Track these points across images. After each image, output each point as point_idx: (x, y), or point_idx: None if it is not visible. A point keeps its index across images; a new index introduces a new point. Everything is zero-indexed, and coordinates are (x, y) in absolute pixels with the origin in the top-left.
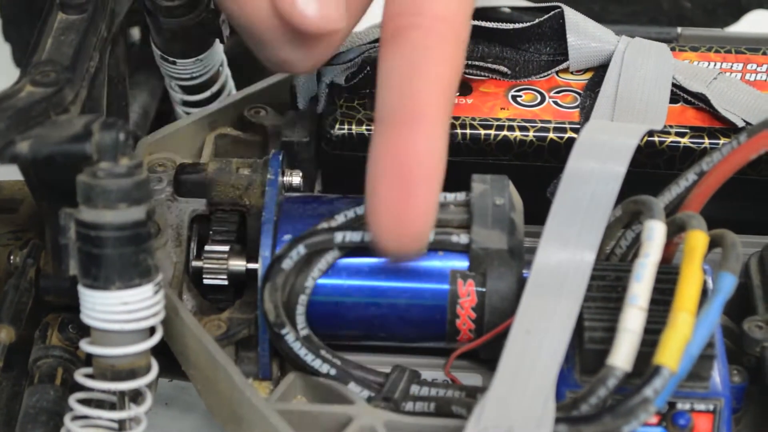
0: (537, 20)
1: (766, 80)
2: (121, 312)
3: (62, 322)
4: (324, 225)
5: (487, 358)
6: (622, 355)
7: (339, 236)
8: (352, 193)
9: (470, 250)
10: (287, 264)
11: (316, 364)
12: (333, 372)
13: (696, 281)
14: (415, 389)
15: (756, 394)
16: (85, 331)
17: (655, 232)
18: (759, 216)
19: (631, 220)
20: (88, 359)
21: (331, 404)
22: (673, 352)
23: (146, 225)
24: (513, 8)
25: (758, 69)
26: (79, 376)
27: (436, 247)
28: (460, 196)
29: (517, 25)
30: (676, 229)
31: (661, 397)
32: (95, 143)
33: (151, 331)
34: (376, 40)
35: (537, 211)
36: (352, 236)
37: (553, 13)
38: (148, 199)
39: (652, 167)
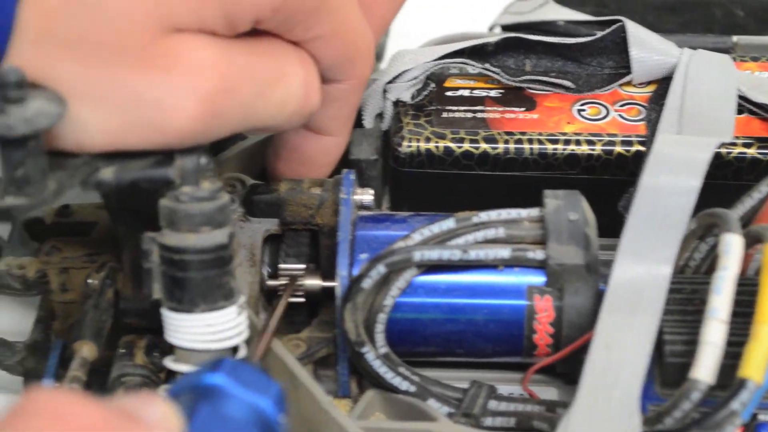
0: (600, 34)
1: None
2: (206, 333)
3: (148, 345)
4: (401, 244)
5: (563, 372)
6: (705, 369)
7: (417, 255)
8: (419, 209)
9: (547, 266)
10: (367, 283)
11: (396, 381)
12: (412, 389)
13: None
14: (493, 404)
15: None
16: (167, 352)
17: (732, 246)
18: None
19: (705, 233)
20: (167, 379)
21: (413, 421)
22: (758, 365)
23: (228, 248)
24: (569, 22)
25: None
26: (163, 392)
27: (511, 264)
28: (534, 212)
29: (579, 40)
30: (751, 241)
31: (747, 409)
32: (178, 168)
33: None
34: (441, 57)
35: (605, 224)
36: (430, 254)
37: (615, 27)
38: (229, 222)
39: (719, 178)
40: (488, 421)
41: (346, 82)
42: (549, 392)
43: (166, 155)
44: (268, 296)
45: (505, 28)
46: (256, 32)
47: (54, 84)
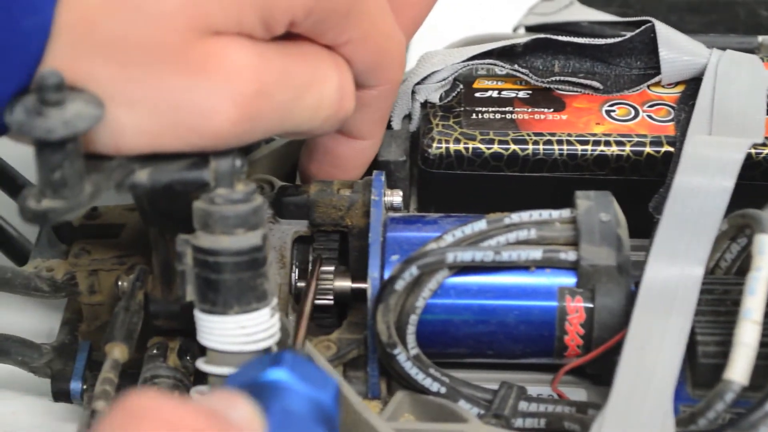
0: (629, 35)
1: None
2: (239, 335)
3: (181, 348)
4: (433, 245)
5: (593, 372)
6: (739, 369)
7: (450, 256)
8: (447, 210)
9: (579, 267)
10: (400, 285)
11: (427, 382)
12: (443, 390)
13: None
14: (524, 405)
15: None
16: (198, 356)
17: (766, 246)
18: None
19: (737, 234)
20: (197, 380)
21: (445, 422)
22: None
23: (262, 250)
24: (594, 22)
25: None
26: (195, 394)
27: (543, 265)
28: (565, 213)
29: (609, 40)
30: None
31: None
32: (212, 170)
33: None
34: (470, 58)
35: (634, 225)
36: (463, 255)
37: (644, 27)
38: (263, 224)
39: (748, 179)
40: (518, 422)
41: (379, 87)
42: (578, 393)
43: (200, 157)
44: (298, 298)
45: (530, 28)
46: (291, 37)
47: (92, 86)
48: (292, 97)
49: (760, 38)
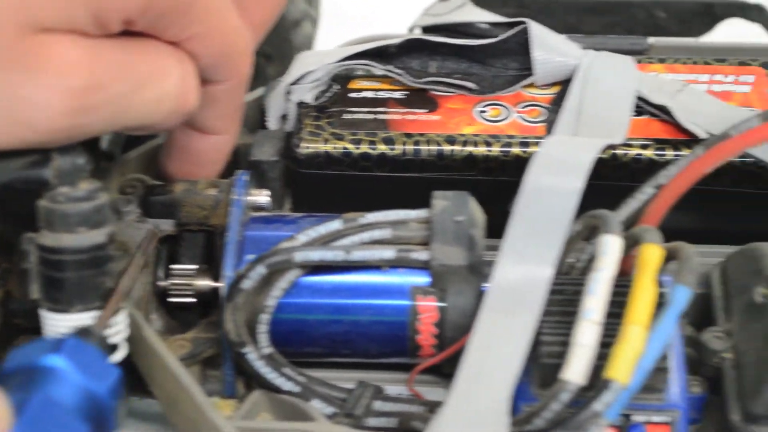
0: (503, 36)
1: (731, 91)
2: None
3: None
4: (285, 245)
5: (449, 372)
6: (575, 369)
7: (299, 255)
8: (320, 210)
9: (430, 267)
10: (247, 284)
11: (279, 381)
12: (296, 389)
13: (648, 295)
14: (378, 405)
15: (716, 404)
16: None
17: (609, 247)
18: (724, 226)
19: (590, 234)
20: None
21: (293, 421)
22: (624, 366)
23: (105, 248)
24: (489, 23)
25: (724, 80)
26: None
27: (396, 264)
28: (422, 213)
29: (482, 41)
30: (632, 243)
31: (611, 410)
32: (54, 168)
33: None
34: (344, 59)
35: (502, 225)
36: (312, 255)
37: (518, 28)
38: (108, 223)
39: (616, 180)
40: (372, 422)
41: (227, 82)
42: (437, 393)
43: (43, 156)
44: (161, 297)
45: (425, 29)
46: (133, 33)
47: None
48: (129, 90)
49: (651, 39)
